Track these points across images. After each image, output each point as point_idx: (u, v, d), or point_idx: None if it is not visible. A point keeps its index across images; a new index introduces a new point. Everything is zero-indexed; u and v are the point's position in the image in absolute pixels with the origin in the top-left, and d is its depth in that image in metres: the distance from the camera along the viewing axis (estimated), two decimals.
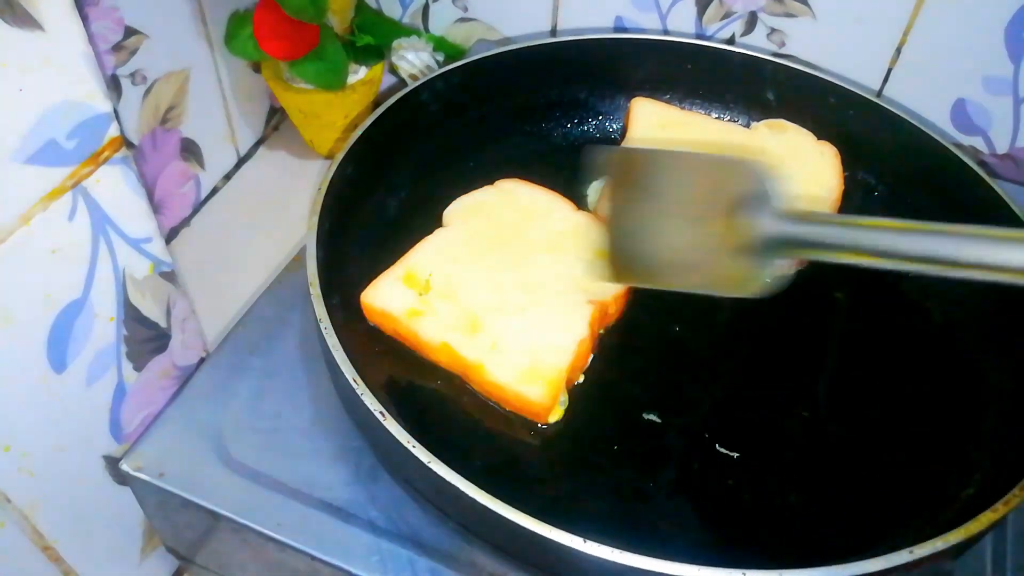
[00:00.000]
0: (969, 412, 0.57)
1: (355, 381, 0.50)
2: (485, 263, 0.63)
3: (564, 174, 0.73)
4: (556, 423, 0.57)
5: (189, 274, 0.71)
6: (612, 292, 0.61)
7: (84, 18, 0.45)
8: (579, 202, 0.70)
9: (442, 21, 0.90)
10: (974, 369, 0.61)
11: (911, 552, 0.44)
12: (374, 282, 0.60)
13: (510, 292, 0.61)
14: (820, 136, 0.73)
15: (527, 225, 0.66)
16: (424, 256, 0.63)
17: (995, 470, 0.53)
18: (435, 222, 0.68)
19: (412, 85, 0.70)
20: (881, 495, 0.54)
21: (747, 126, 0.76)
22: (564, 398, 0.57)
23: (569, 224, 0.66)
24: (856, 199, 0.72)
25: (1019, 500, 0.47)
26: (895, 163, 0.71)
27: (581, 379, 0.59)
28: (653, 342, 0.63)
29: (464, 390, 0.58)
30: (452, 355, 0.57)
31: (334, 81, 0.74)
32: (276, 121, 0.87)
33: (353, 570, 0.53)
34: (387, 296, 0.60)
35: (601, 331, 0.62)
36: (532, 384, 0.55)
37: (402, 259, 0.62)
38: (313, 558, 0.54)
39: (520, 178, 0.70)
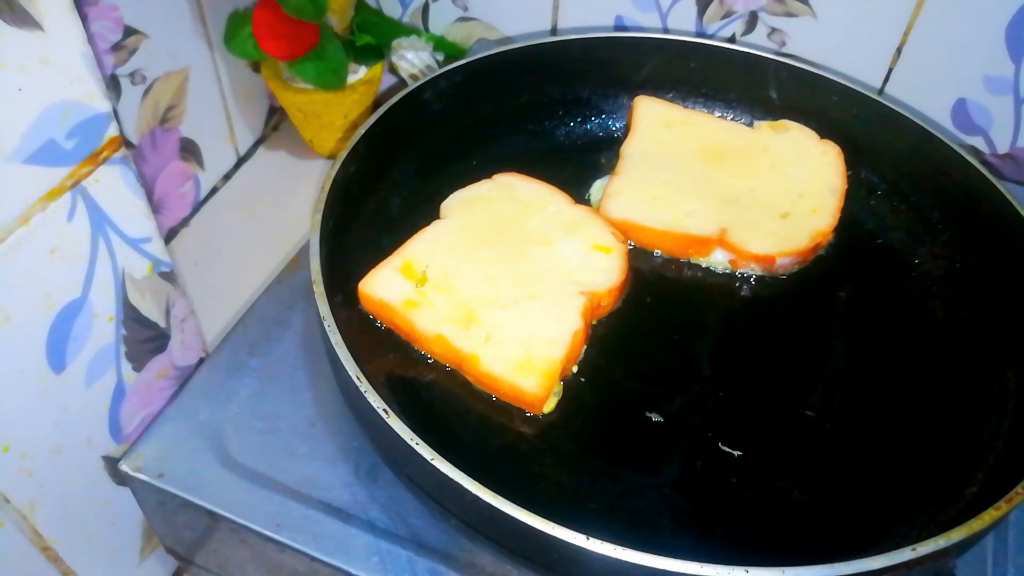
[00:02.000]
0: (971, 410, 0.57)
1: (358, 379, 0.50)
2: (481, 255, 0.63)
3: (567, 172, 0.73)
4: (552, 414, 0.57)
5: (188, 274, 0.71)
6: (606, 284, 0.61)
7: (83, 18, 0.45)
8: (581, 199, 0.70)
9: (442, 20, 0.90)
10: (976, 367, 0.61)
11: (914, 550, 0.44)
12: (372, 271, 0.61)
13: (505, 284, 0.61)
14: (823, 135, 0.73)
15: (523, 218, 0.66)
16: (421, 247, 0.63)
17: (997, 468, 0.53)
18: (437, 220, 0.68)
19: (415, 84, 0.70)
20: (883, 493, 0.54)
21: (750, 124, 0.76)
22: (558, 388, 0.58)
23: (565, 217, 0.66)
24: (859, 198, 0.72)
25: (1021, 498, 0.47)
26: (898, 162, 0.71)
27: (575, 369, 0.60)
28: (647, 334, 0.62)
29: (463, 383, 0.58)
30: (447, 347, 0.57)
31: (334, 81, 0.74)
32: (275, 121, 0.87)
33: (352, 570, 0.53)
34: (384, 286, 0.60)
35: (594, 322, 0.62)
36: (526, 376, 0.56)
37: (399, 249, 0.63)
38: (312, 559, 0.53)
39: (523, 175, 0.70)
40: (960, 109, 0.78)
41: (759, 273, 0.67)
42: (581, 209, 0.67)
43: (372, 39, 0.77)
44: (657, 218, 0.67)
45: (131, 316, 0.56)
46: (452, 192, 0.68)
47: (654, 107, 0.76)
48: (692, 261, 0.68)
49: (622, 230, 0.67)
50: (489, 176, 0.69)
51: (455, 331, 0.58)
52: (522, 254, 0.63)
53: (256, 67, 0.80)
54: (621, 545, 0.43)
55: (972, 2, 0.71)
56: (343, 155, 0.63)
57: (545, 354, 0.57)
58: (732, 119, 0.78)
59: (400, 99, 0.68)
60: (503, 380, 0.56)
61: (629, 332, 0.62)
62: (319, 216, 0.59)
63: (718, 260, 0.67)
